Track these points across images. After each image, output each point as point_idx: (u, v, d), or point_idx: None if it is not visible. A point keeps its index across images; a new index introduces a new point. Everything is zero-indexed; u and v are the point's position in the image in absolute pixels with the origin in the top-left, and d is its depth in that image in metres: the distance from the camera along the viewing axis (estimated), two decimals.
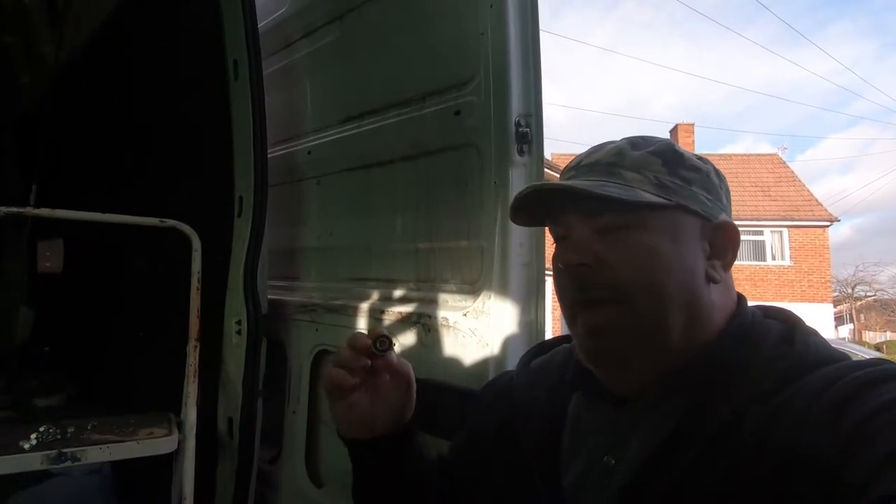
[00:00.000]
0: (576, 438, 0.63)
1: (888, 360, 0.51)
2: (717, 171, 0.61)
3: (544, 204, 0.60)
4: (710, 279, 0.57)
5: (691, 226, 0.57)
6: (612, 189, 0.55)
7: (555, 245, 0.61)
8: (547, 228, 0.64)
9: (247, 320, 1.40)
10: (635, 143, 0.60)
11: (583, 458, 0.61)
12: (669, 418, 0.54)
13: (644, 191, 0.55)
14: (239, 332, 1.42)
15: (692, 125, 17.00)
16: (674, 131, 17.39)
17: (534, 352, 0.78)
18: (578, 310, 0.58)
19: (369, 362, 0.66)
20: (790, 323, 0.57)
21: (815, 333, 0.56)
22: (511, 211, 0.62)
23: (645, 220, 0.55)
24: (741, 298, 0.61)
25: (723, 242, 0.59)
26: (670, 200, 0.55)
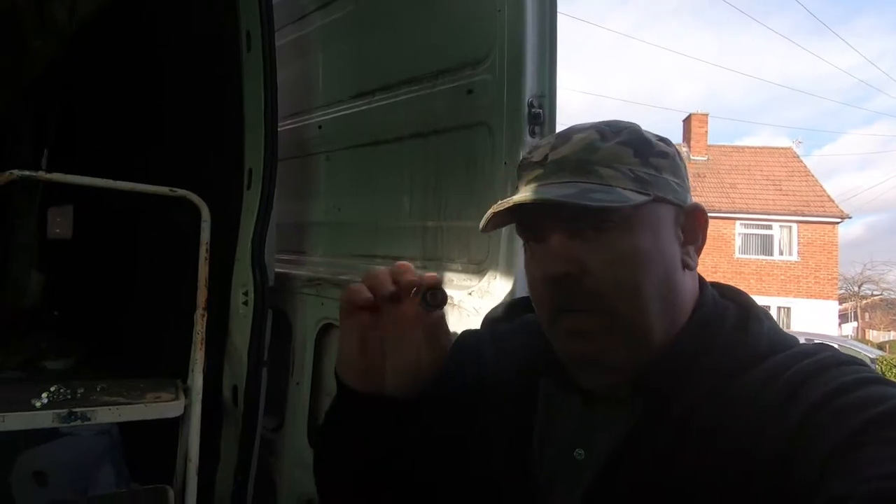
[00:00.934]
0: (547, 425, 0.61)
1: (831, 348, 0.52)
2: (678, 151, 0.59)
3: (512, 210, 0.55)
4: (686, 266, 0.56)
5: (667, 216, 0.56)
6: (596, 194, 0.52)
7: (528, 249, 0.58)
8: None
9: (254, 291, 1.42)
10: (603, 132, 0.56)
11: (554, 446, 0.59)
12: (632, 413, 0.54)
13: (623, 188, 0.53)
14: (246, 303, 1.44)
15: (706, 115, 16.73)
16: (687, 121, 17.14)
17: (498, 316, 0.75)
18: (559, 314, 0.55)
19: (395, 291, 0.56)
20: (744, 307, 0.57)
21: (766, 317, 0.56)
22: (485, 222, 0.57)
23: (625, 219, 0.53)
24: (702, 281, 0.60)
25: (694, 226, 0.58)
26: (649, 195, 0.53)
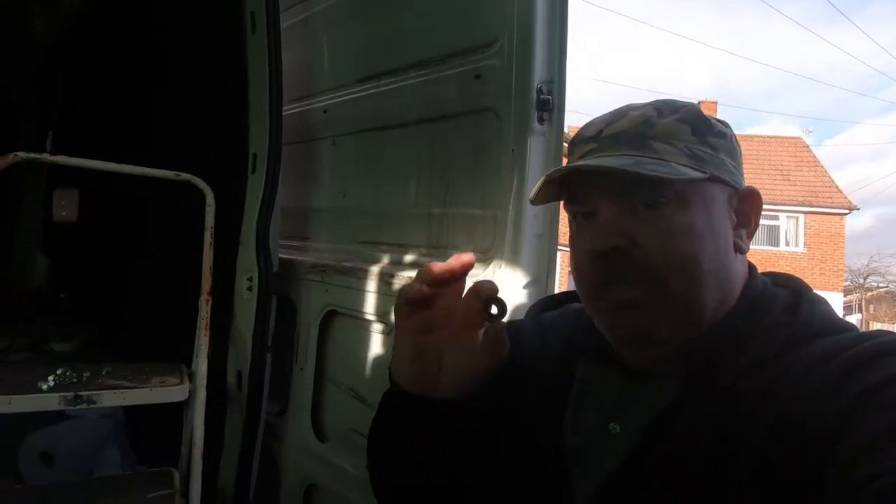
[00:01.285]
0: (581, 403, 0.62)
1: (890, 333, 0.49)
2: (734, 135, 0.59)
3: (563, 180, 0.56)
4: (738, 250, 0.56)
5: (721, 196, 0.55)
6: (651, 166, 0.51)
7: (574, 223, 0.58)
8: (562, 204, 0.60)
9: (258, 277, 1.42)
10: (660, 109, 0.56)
11: (587, 423, 0.60)
12: (673, 387, 0.54)
13: (679, 164, 0.52)
14: (250, 289, 1.44)
15: (715, 103, 16.53)
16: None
17: (543, 304, 0.76)
18: (605, 287, 0.54)
19: (447, 277, 0.57)
20: (797, 291, 0.56)
21: (822, 302, 0.55)
22: (535, 191, 0.57)
23: (679, 195, 0.53)
24: (752, 266, 0.60)
25: (748, 210, 0.58)
26: (705, 172, 0.53)
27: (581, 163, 0.54)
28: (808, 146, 16.20)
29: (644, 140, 0.54)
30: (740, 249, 0.57)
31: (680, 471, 0.50)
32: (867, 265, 23.68)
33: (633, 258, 0.53)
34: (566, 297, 0.76)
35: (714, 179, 0.54)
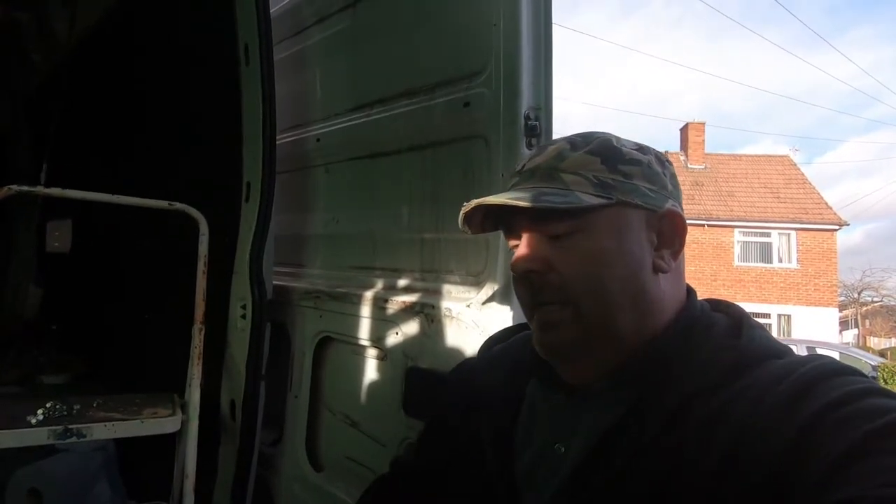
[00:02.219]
0: (530, 424, 0.65)
1: (826, 356, 0.52)
2: (659, 159, 0.61)
3: (496, 214, 0.62)
4: (658, 269, 0.59)
5: (635, 219, 0.58)
6: (550, 198, 0.56)
7: (510, 250, 0.63)
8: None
9: (252, 305, 1.42)
10: (574, 142, 0.60)
11: (535, 444, 0.62)
12: (615, 409, 0.56)
13: (583, 192, 0.56)
14: (244, 317, 1.43)
15: (703, 124, 16.82)
16: (684, 130, 17.22)
17: (496, 337, 0.81)
18: (533, 308, 0.60)
19: None
20: (736, 317, 0.59)
21: (759, 327, 0.57)
22: (460, 223, 0.63)
23: (588, 223, 0.57)
24: (690, 291, 0.62)
25: (670, 231, 0.60)
26: (611, 198, 0.56)
27: (484, 199, 0.60)
28: (795, 164, 16.45)
29: (554, 173, 0.58)
30: (661, 269, 0.59)
31: (624, 491, 0.52)
32: (860, 280, 23.87)
33: (548, 280, 0.58)
34: (519, 328, 0.80)
35: (623, 204, 0.57)
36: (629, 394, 0.56)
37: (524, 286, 0.60)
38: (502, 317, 1.03)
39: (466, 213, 0.62)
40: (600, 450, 0.55)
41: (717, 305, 0.62)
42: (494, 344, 0.80)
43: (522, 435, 0.65)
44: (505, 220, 0.62)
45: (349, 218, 1.49)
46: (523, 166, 0.62)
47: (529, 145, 1.04)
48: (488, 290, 1.07)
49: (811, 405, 0.45)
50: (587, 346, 0.58)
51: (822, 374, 0.47)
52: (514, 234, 0.61)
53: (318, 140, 1.57)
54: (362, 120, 1.42)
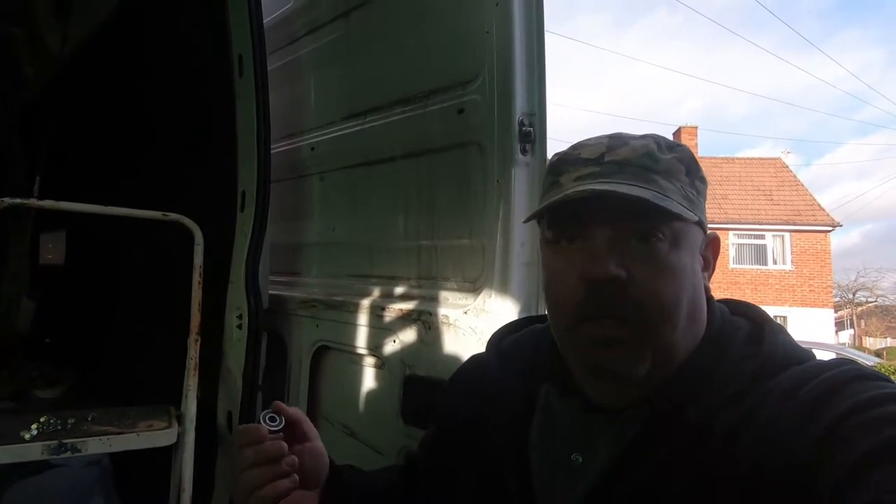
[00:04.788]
0: (545, 433, 0.61)
1: (852, 361, 0.52)
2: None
3: (553, 202, 0.54)
4: (707, 291, 0.57)
5: (698, 239, 0.56)
6: (666, 202, 0.51)
7: (551, 245, 0.56)
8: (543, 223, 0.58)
9: (248, 314, 1.41)
10: (659, 143, 0.56)
11: (551, 454, 0.59)
12: (638, 421, 0.54)
13: (678, 202, 0.52)
14: (240, 327, 1.42)
15: (695, 128, 16.94)
16: (677, 134, 17.33)
17: (504, 330, 0.75)
18: (589, 320, 0.52)
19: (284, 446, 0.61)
20: (757, 321, 0.57)
21: (781, 331, 0.56)
22: (538, 212, 0.56)
23: (674, 234, 0.52)
24: (711, 302, 0.59)
25: (710, 255, 0.59)
26: (695, 215, 0.53)
27: (600, 187, 0.51)
28: (787, 167, 16.58)
29: (649, 173, 0.53)
30: (707, 291, 0.57)
31: (648, 502, 0.50)
32: (855, 281, 24.00)
33: (627, 293, 0.51)
34: (527, 321, 0.76)
35: (699, 224, 0.55)
36: (651, 407, 0.54)
37: (593, 294, 0.51)
38: (500, 322, 1.03)
39: (560, 203, 0.52)
40: (622, 463, 0.53)
41: (737, 307, 0.59)
42: (504, 336, 0.73)
43: (537, 443, 0.61)
44: (567, 212, 0.53)
45: (345, 226, 1.48)
46: (601, 156, 0.54)
47: (524, 151, 1.04)
48: (485, 296, 1.06)
49: (835, 409, 0.44)
50: (643, 369, 0.52)
51: (848, 378, 0.47)
52: (576, 227, 0.53)
53: (312, 148, 1.57)
54: (357, 128, 1.42)
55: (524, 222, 0.60)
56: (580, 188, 0.52)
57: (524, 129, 1.04)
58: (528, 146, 1.04)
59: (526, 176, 1.04)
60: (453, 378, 0.78)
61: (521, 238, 1.05)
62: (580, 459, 0.56)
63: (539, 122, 1.05)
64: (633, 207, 0.50)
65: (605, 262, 0.51)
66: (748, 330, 0.56)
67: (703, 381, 0.52)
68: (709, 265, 0.59)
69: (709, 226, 0.59)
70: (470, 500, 0.65)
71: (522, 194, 1.05)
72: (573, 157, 0.56)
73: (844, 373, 0.48)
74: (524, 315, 1.04)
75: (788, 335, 0.56)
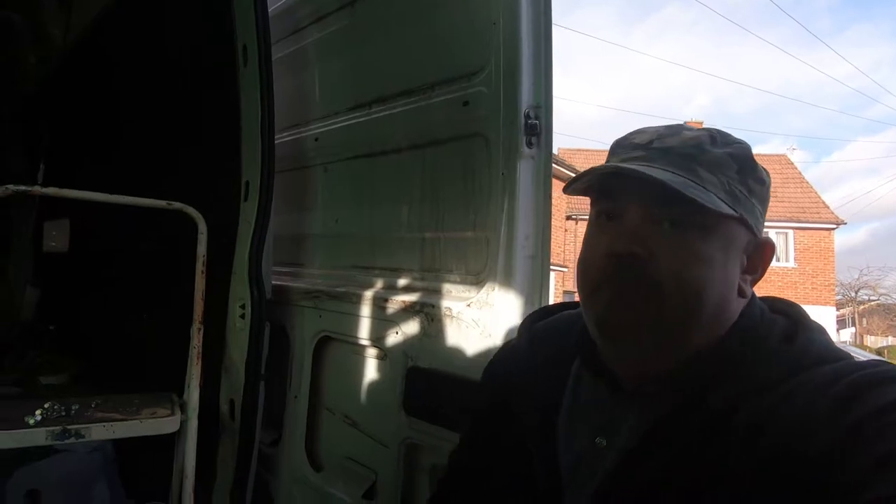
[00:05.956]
0: (572, 416, 0.63)
1: (888, 362, 0.51)
2: (770, 184, 0.60)
3: (604, 178, 0.56)
4: (741, 293, 0.57)
5: (741, 238, 0.56)
6: (693, 189, 0.51)
7: (595, 223, 0.59)
8: (590, 198, 0.60)
9: (251, 304, 1.41)
10: (715, 137, 0.57)
11: (577, 437, 0.61)
12: (660, 408, 0.55)
13: (717, 195, 0.53)
14: (243, 316, 1.43)
15: (700, 123, 16.83)
16: None
17: (537, 315, 0.77)
18: (608, 284, 0.54)
19: None
20: (794, 319, 0.57)
21: (819, 331, 0.55)
22: (573, 181, 0.58)
23: (707, 225, 0.53)
24: (752, 297, 0.59)
25: (759, 260, 0.59)
26: (737, 212, 0.53)
27: (631, 166, 0.54)
28: (792, 163, 16.49)
29: (692, 163, 0.54)
30: (743, 293, 0.57)
31: (666, 490, 0.51)
32: (858, 279, 23.92)
33: (645, 270, 0.53)
34: (561, 306, 0.77)
35: (741, 221, 0.55)
36: (676, 393, 0.54)
37: (613, 268, 0.54)
38: (504, 315, 1.03)
39: (596, 175, 0.56)
40: (643, 447, 0.54)
41: (776, 305, 0.59)
42: (536, 321, 0.75)
43: (565, 425, 0.62)
44: (609, 189, 0.56)
45: (348, 217, 1.48)
46: (651, 142, 0.57)
47: (530, 144, 1.04)
48: (489, 289, 1.06)
49: (859, 409, 0.44)
50: (655, 341, 0.54)
51: (875, 380, 0.46)
52: (613, 201, 0.56)
53: (316, 139, 1.57)
54: (361, 119, 1.42)
55: (564, 192, 0.60)
56: (611, 166, 0.55)
57: (530, 121, 1.03)
58: (533, 139, 1.03)
59: (531, 169, 1.04)
60: (486, 370, 0.80)
61: (526, 231, 1.04)
62: (604, 443, 0.58)
63: (545, 115, 1.04)
64: (662, 191, 0.51)
65: (629, 239, 0.53)
66: (784, 326, 0.56)
67: (729, 370, 0.53)
68: (755, 268, 0.58)
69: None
70: (501, 487, 0.67)
71: (527, 187, 1.04)
72: (626, 142, 0.60)
73: (878, 373, 0.47)
74: (527, 308, 1.04)
75: (825, 335, 0.55)
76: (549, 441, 0.63)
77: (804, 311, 0.58)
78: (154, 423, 1.16)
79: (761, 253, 0.58)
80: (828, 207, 15.09)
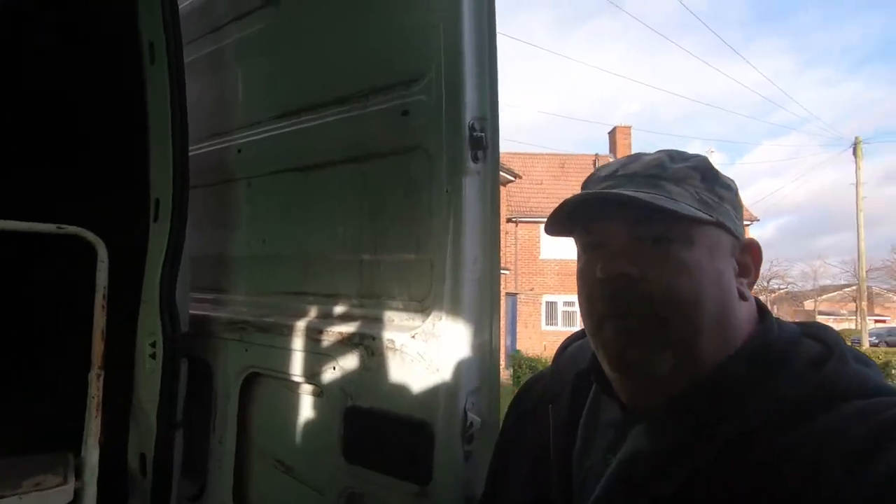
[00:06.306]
0: (589, 431, 0.63)
1: None
2: (737, 190, 0.62)
3: (578, 212, 0.58)
4: (741, 296, 0.57)
5: (725, 243, 0.57)
6: (665, 201, 0.53)
7: (583, 255, 0.60)
8: (575, 238, 0.62)
9: (163, 340, 1.23)
10: (672, 156, 0.60)
11: (590, 456, 0.61)
12: (672, 434, 0.53)
13: (688, 205, 0.54)
14: (153, 356, 1.24)
15: (629, 128, 17.74)
16: (612, 133, 18.06)
17: (574, 336, 0.77)
18: (609, 318, 0.56)
19: None
20: (829, 344, 0.53)
21: (858, 359, 0.51)
22: (548, 221, 0.60)
23: (687, 234, 0.54)
24: (766, 314, 0.59)
25: (749, 261, 0.60)
26: (712, 217, 0.55)
27: (600, 190, 0.57)
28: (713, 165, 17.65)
29: (657, 181, 0.56)
30: (743, 296, 0.57)
31: None
32: (769, 269, 26.13)
33: (637, 290, 0.54)
34: None
35: (720, 226, 0.56)
36: (688, 419, 0.52)
37: (608, 292, 0.55)
38: (451, 347, 0.94)
39: (569, 208, 0.57)
40: (651, 471, 0.52)
41: (810, 329, 0.57)
42: (571, 343, 0.76)
43: (582, 440, 0.63)
44: (588, 220, 0.58)
45: (277, 237, 1.33)
46: (615, 171, 0.59)
47: (475, 158, 0.95)
48: (435, 318, 0.96)
49: (891, 458, 0.40)
50: (664, 364, 0.54)
51: None
52: (596, 233, 0.58)
53: (239, 151, 1.41)
54: (290, 128, 1.28)
55: (546, 233, 0.63)
56: (583, 193, 0.58)
57: (475, 134, 0.94)
58: (479, 153, 0.95)
59: (477, 185, 0.95)
60: (510, 406, 0.79)
61: (474, 253, 0.95)
62: (612, 459, 0.57)
63: (491, 128, 0.96)
64: (638, 209, 0.53)
65: (616, 261, 0.55)
66: (816, 353, 0.52)
67: (745, 396, 0.50)
68: (748, 271, 0.59)
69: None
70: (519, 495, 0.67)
71: (474, 205, 0.95)
72: (594, 177, 0.63)
73: None
74: (476, 338, 0.95)
75: (864, 366, 0.51)
76: (565, 458, 0.63)
77: (840, 338, 0.54)
78: (39, 498, 0.97)
79: (749, 254, 0.59)
80: (743, 205, 16.26)
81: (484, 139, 0.95)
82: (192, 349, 1.32)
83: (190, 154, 1.36)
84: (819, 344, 0.54)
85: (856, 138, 17.40)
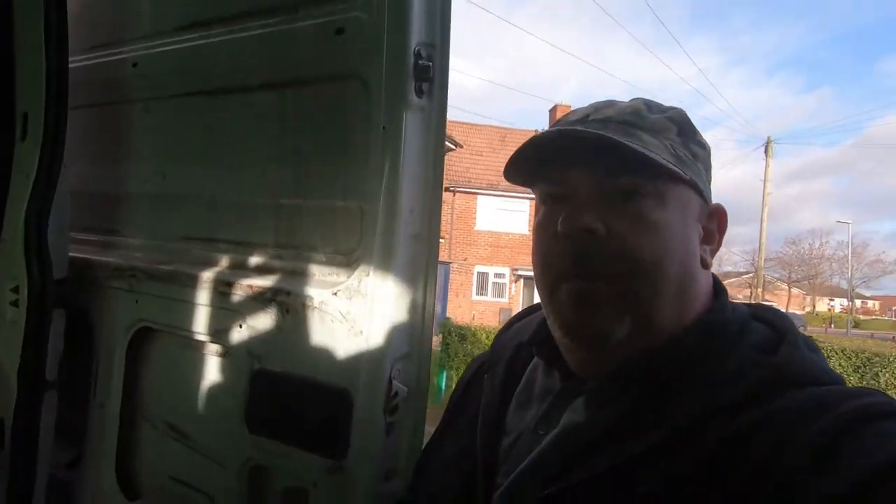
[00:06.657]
0: (523, 402, 0.60)
1: (878, 392, 0.44)
2: (710, 151, 0.59)
3: (540, 157, 0.53)
4: (703, 264, 0.54)
5: (694, 205, 0.53)
6: (647, 151, 0.49)
7: (542, 207, 0.56)
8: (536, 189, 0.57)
9: (28, 287, 1.02)
10: (649, 104, 0.56)
11: (523, 423, 0.58)
12: (614, 407, 0.50)
13: (665, 160, 0.50)
14: (16, 303, 1.03)
15: (569, 107, 17.98)
16: (553, 111, 18.27)
17: (523, 313, 0.74)
18: (568, 278, 0.51)
19: None
20: (780, 329, 0.51)
21: (808, 347, 0.49)
22: (509, 163, 0.55)
23: (658, 191, 0.50)
24: (721, 291, 0.56)
25: (714, 228, 0.57)
26: (685, 174, 0.51)
27: (568, 128, 0.51)
28: None
29: (633, 129, 0.52)
30: (705, 263, 0.54)
31: (598, 499, 0.46)
32: None
33: (605, 247, 0.50)
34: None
35: (692, 186, 0.53)
36: (633, 389, 0.50)
37: (568, 249, 0.51)
38: (377, 308, 0.82)
39: (529, 148, 0.53)
40: (583, 449, 0.49)
41: (759, 312, 0.54)
42: (519, 319, 0.73)
43: (515, 410, 0.60)
44: (551, 168, 0.54)
45: (180, 173, 1.13)
46: (587, 116, 0.55)
47: (420, 92, 0.82)
48: (362, 273, 0.84)
49: (859, 459, 0.37)
50: (622, 330, 0.50)
51: (868, 415, 0.40)
52: (560, 184, 0.53)
53: (134, 65, 1.17)
54: (198, 42, 1.07)
55: (506, 178, 0.57)
56: (552, 130, 0.52)
57: (421, 62, 0.81)
58: (424, 86, 0.82)
59: (420, 123, 0.83)
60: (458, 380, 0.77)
61: (411, 203, 0.84)
62: (542, 433, 0.55)
63: (440, 58, 0.83)
64: (610, 156, 0.49)
65: (581, 215, 0.50)
66: (765, 336, 0.51)
67: (694, 376, 0.48)
68: (712, 237, 0.56)
69: None
70: (442, 481, 0.62)
71: (415, 147, 0.83)
72: (562, 120, 0.58)
73: (862, 408, 0.40)
74: (408, 298, 0.84)
75: (814, 352, 0.49)
76: (495, 424, 0.60)
77: (792, 323, 0.52)
78: None
79: (715, 221, 0.57)
80: None
81: (431, 69, 0.82)
82: (69, 299, 1.11)
83: (71, 66, 1.11)
84: (767, 327, 0.52)
85: (768, 137, 18.81)
